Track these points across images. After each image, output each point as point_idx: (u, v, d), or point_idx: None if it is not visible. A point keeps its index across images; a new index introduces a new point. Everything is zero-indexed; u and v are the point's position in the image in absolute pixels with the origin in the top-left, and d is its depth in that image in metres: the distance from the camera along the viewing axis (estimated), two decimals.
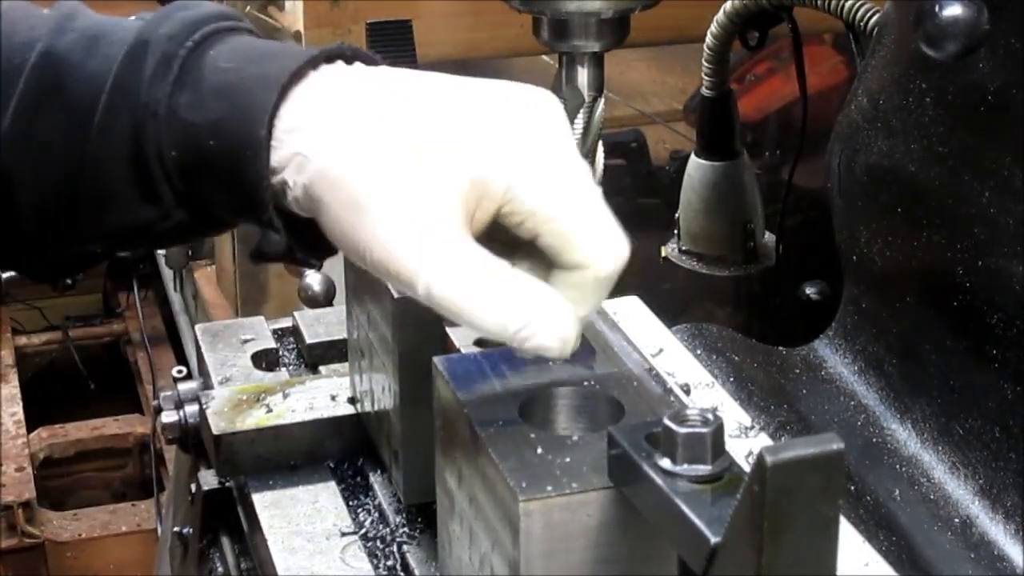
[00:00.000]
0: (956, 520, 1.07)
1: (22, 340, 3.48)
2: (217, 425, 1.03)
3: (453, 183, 0.75)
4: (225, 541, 1.08)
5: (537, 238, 0.78)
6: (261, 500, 1.01)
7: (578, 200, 0.79)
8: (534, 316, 0.76)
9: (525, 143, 0.78)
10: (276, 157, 0.77)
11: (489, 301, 0.75)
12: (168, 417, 1.09)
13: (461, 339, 0.99)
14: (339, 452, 1.05)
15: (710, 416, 0.75)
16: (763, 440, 1.04)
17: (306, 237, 0.81)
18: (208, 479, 1.08)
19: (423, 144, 0.76)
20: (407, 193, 0.75)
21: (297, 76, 0.78)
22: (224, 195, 0.80)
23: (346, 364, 1.11)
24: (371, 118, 0.77)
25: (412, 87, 0.79)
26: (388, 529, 1.01)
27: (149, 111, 0.79)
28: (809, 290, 1.44)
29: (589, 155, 1.22)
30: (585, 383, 0.90)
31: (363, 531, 0.99)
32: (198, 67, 0.80)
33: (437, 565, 0.97)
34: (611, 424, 0.81)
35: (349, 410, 1.06)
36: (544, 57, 2.04)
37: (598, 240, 0.79)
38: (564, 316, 0.78)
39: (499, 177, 0.76)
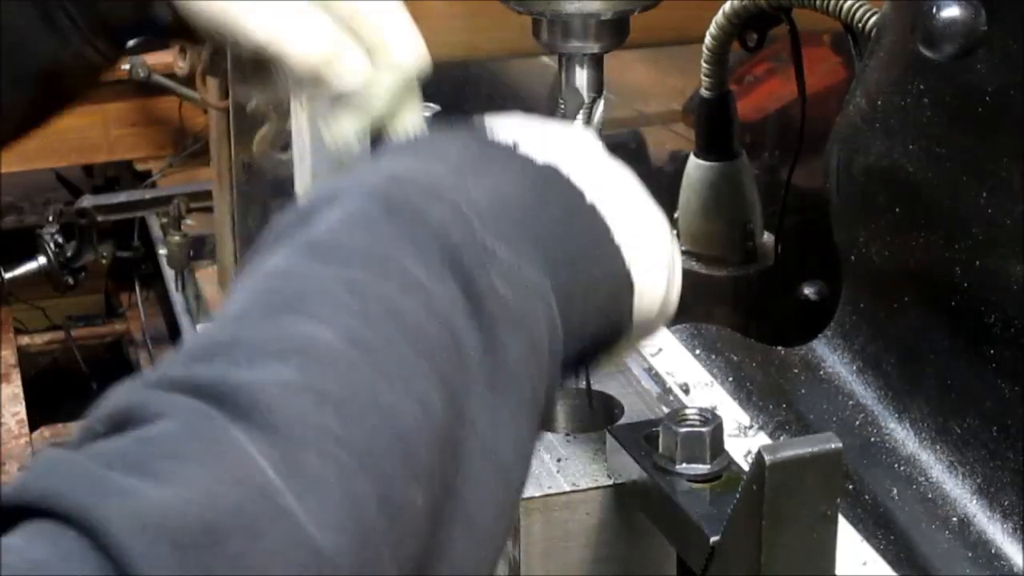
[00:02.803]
0: (954, 519, 1.07)
1: (24, 340, 3.48)
2: None
3: None
4: None
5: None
6: None
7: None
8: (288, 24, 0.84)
9: None
10: None
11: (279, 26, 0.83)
12: None
13: None
14: None
15: (709, 415, 0.76)
16: (762, 439, 1.05)
17: None
18: None
19: None
20: None
21: None
22: None
23: None
24: None
25: None
26: None
27: None
28: (808, 290, 1.44)
29: None
30: (585, 383, 0.90)
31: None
32: None
33: None
34: (611, 424, 0.82)
35: None
36: (544, 58, 2.04)
37: (387, 29, 0.88)
38: (318, 26, 0.84)
39: None
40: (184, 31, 0.90)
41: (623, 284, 0.71)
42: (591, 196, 0.71)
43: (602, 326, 0.70)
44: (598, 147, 0.78)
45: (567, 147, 0.74)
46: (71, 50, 0.87)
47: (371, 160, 0.73)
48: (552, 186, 0.70)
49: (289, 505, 0.51)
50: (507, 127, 0.74)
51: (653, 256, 0.73)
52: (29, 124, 0.94)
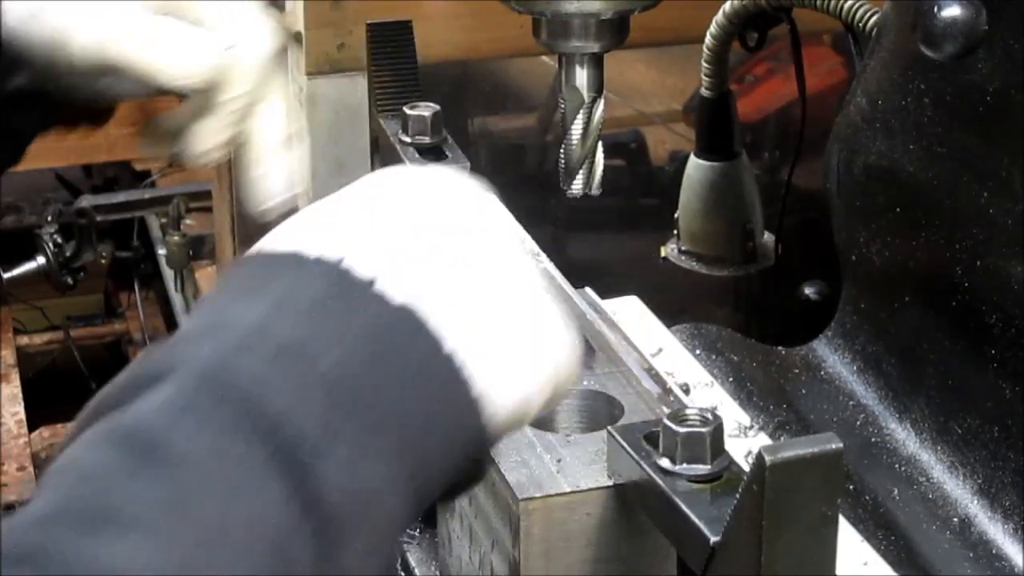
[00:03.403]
0: (955, 519, 1.07)
1: (23, 340, 3.48)
2: None
3: None
4: None
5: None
6: None
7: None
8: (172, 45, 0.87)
9: None
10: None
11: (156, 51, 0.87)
12: None
13: None
14: None
15: (709, 416, 0.76)
16: (762, 440, 1.05)
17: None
18: None
19: None
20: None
21: None
22: None
23: None
24: None
25: None
26: None
27: None
28: (808, 290, 1.44)
29: (589, 155, 1.22)
30: (585, 383, 0.90)
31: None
32: None
33: (437, 565, 0.97)
34: (611, 424, 0.82)
35: None
36: (544, 58, 2.04)
37: (235, 22, 0.89)
38: (193, 42, 0.87)
39: None
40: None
41: (480, 438, 0.66)
42: (451, 339, 0.64)
43: (460, 475, 0.67)
44: (485, 233, 0.70)
45: (438, 259, 0.67)
46: None
47: (211, 297, 0.67)
48: (404, 341, 0.64)
49: None
50: (378, 237, 0.67)
51: (532, 375, 0.68)
52: None
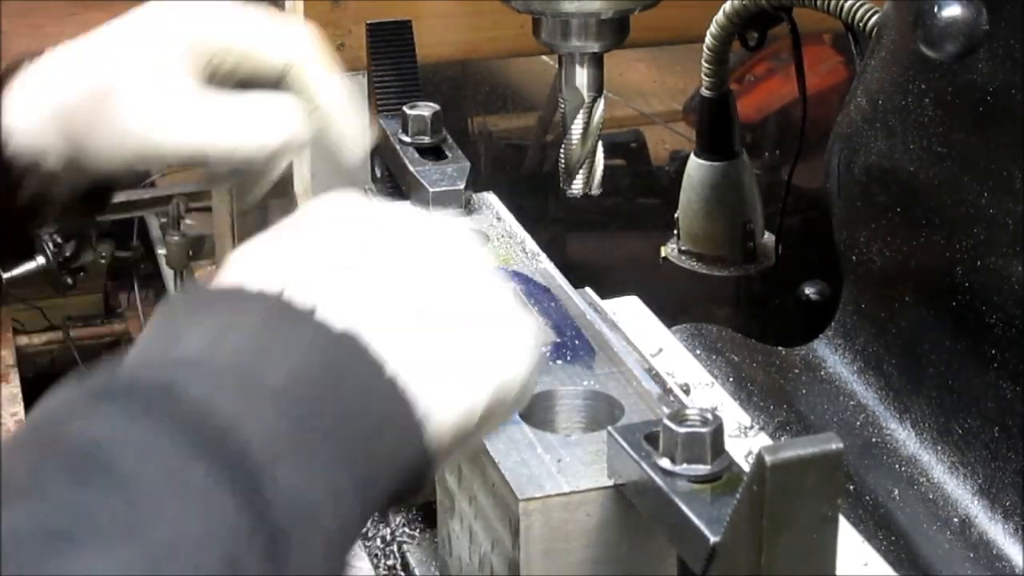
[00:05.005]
0: (955, 519, 1.07)
1: (23, 340, 3.47)
2: None
3: (173, 51, 0.89)
4: None
5: (243, 66, 0.91)
6: None
7: (248, 23, 0.92)
8: (259, 119, 0.89)
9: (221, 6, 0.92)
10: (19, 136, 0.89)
11: (224, 126, 0.88)
12: None
13: None
14: None
15: (709, 416, 0.76)
16: (762, 440, 1.05)
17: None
18: None
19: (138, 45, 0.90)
20: (139, 79, 0.89)
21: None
22: None
23: None
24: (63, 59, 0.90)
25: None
26: (388, 529, 1.01)
27: None
28: (808, 290, 1.44)
29: (589, 155, 1.22)
30: (585, 383, 0.90)
31: (363, 531, 0.99)
32: None
33: (437, 565, 0.97)
34: (611, 424, 0.81)
35: None
36: (544, 57, 2.04)
37: (276, 36, 0.92)
38: (282, 107, 0.90)
39: (210, 36, 0.91)
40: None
41: (423, 454, 0.67)
42: (393, 361, 0.65)
43: (403, 488, 0.67)
44: (425, 242, 0.72)
45: (377, 287, 0.68)
46: None
47: (157, 321, 0.67)
48: (348, 364, 0.65)
49: None
50: (313, 272, 0.68)
51: (473, 388, 0.69)
52: None
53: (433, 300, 0.69)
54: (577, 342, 0.94)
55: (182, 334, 0.64)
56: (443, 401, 0.67)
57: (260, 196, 0.96)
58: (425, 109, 1.21)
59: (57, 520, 0.55)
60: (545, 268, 1.06)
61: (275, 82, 0.92)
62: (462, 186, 1.15)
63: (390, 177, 1.26)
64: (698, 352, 1.18)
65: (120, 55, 0.90)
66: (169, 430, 0.59)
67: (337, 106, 0.93)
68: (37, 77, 0.91)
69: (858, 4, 1.29)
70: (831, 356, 1.22)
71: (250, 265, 0.69)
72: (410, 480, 0.67)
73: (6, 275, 3.09)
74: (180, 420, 0.59)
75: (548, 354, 0.93)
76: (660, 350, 1.13)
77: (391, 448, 0.65)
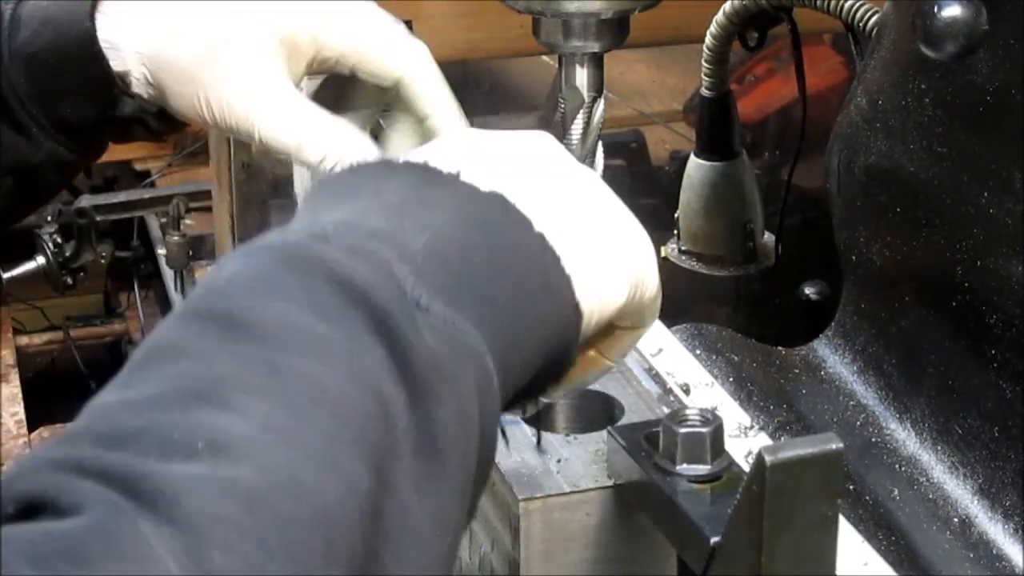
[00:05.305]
0: (955, 519, 1.07)
1: (23, 340, 3.47)
2: None
3: (265, 46, 0.93)
4: None
5: (357, 70, 0.96)
6: None
7: (375, 29, 0.96)
8: (330, 139, 0.93)
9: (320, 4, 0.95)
10: (113, 58, 0.93)
11: (302, 134, 0.92)
12: None
13: None
14: None
15: (709, 416, 0.76)
16: (762, 440, 1.04)
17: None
18: None
19: (232, 21, 0.93)
20: (229, 62, 0.92)
21: None
22: (75, 93, 0.94)
23: None
24: (179, 7, 0.93)
25: None
26: None
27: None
28: (808, 290, 1.44)
29: (589, 155, 1.22)
30: None
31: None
32: (25, 10, 0.94)
33: None
34: (611, 424, 0.81)
35: None
36: (544, 57, 2.04)
37: (397, 47, 0.96)
38: (345, 136, 0.93)
39: (303, 30, 0.94)
40: (156, 130, 1.00)
41: (571, 316, 0.68)
42: (539, 223, 0.68)
43: (547, 362, 0.68)
44: (557, 154, 0.75)
45: (518, 166, 0.71)
46: (42, 151, 0.96)
47: (302, 208, 0.70)
48: (496, 219, 0.67)
49: None
50: (454, 148, 0.72)
51: (612, 271, 0.71)
52: (9, 219, 1.01)
53: (573, 189, 0.72)
54: None
55: (332, 205, 0.66)
56: (586, 273, 0.69)
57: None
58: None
59: (202, 380, 0.57)
60: None
61: (381, 91, 0.97)
62: None
63: None
64: (698, 352, 1.18)
65: (236, 31, 0.93)
66: (306, 290, 0.60)
67: (445, 123, 0.98)
68: (143, 10, 0.94)
69: (858, 4, 1.29)
70: (831, 356, 1.22)
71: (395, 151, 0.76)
72: (551, 354, 0.68)
73: (6, 275, 3.10)
74: (320, 279, 0.61)
75: None
76: (660, 350, 1.13)
77: (537, 303, 0.67)
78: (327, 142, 0.92)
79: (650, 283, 0.73)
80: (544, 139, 0.75)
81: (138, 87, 0.95)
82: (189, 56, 0.93)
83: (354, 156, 0.88)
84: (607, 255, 0.71)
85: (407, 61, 0.96)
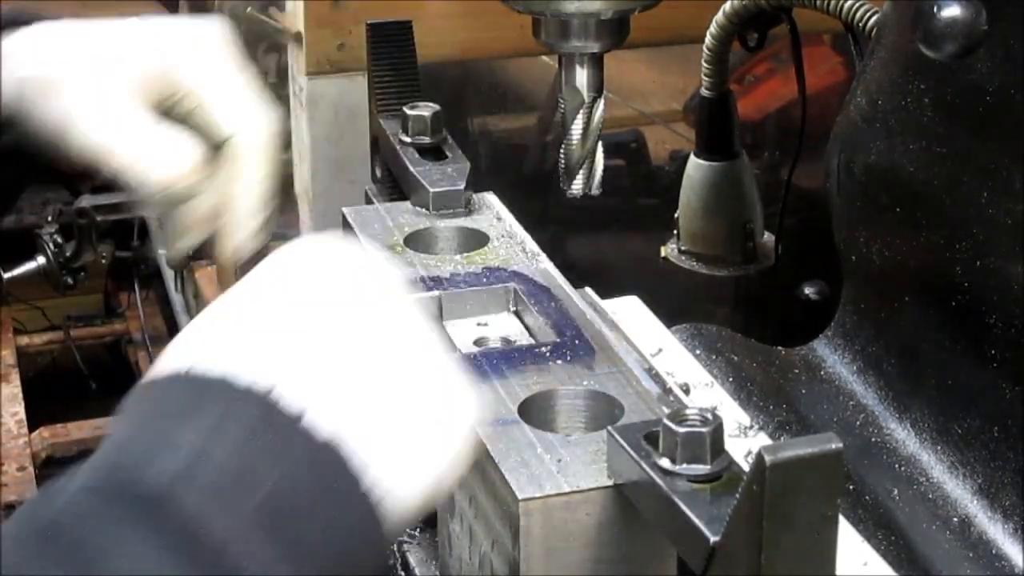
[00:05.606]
0: (955, 519, 1.07)
1: (23, 340, 3.47)
2: None
3: (128, 80, 0.95)
4: None
5: (193, 114, 0.96)
6: None
7: (222, 81, 0.97)
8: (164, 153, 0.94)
9: (184, 47, 0.97)
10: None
11: (138, 152, 0.93)
12: None
13: (461, 339, 0.99)
14: None
15: (709, 416, 0.76)
16: (762, 440, 1.05)
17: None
18: None
19: (104, 54, 0.95)
20: (91, 91, 0.94)
21: None
22: None
23: None
24: (63, 43, 0.96)
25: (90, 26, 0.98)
26: None
27: None
28: (808, 290, 1.44)
29: (589, 156, 1.22)
30: (585, 383, 0.90)
31: None
32: None
33: (437, 565, 0.97)
34: (611, 424, 0.82)
35: None
36: (544, 58, 2.04)
37: (238, 111, 0.96)
38: (179, 151, 0.94)
39: (154, 64, 0.96)
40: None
41: (384, 556, 0.73)
42: (368, 476, 0.68)
43: None
44: (403, 331, 0.74)
45: (355, 391, 0.71)
46: None
47: (151, 423, 0.70)
48: (330, 476, 0.68)
49: None
50: (300, 380, 0.70)
51: (434, 480, 0.72)
52: None
53: (397, 394, 0.72)
54: (577, 342, 0.94)
55: (173, 435, 0.67)
56: (408, 491, 0.70)
57: (183, 251, 0.99)
58: (425, 109, 1.21)
59: None
60: (545, 268, 1.06)
61: (216, 142, 0.96)
62: (462, 186, 1.15)
63: (390, 177, 1.26)
64: (698, 352, 1.18)
65: (82, 57, 0.95)
66: (166, 543, 0.62)
67: (244, 208, 0.96)
68: (18, 44, 0.96)
69: (858, 4, 1.29)
70: (831, 356, 1.23)
71: (235, 353, 0.70)
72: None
73: (6, 275, 3.10)
74: (176, 534, 0.63)
75: (548, 354, 0.93)
76: (660, 350, 1.13)
77: (357, 555, 0.69)
78: (159, 157, 0.94)
79: (463, 461, 0.73)
80: (360, 296, 0.74)
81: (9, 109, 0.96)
82: (60, 83, 0.94)
83: (181, 168, 0.93)
84: (429, 462, 0.72)
85: (239, 125, 0.96)
